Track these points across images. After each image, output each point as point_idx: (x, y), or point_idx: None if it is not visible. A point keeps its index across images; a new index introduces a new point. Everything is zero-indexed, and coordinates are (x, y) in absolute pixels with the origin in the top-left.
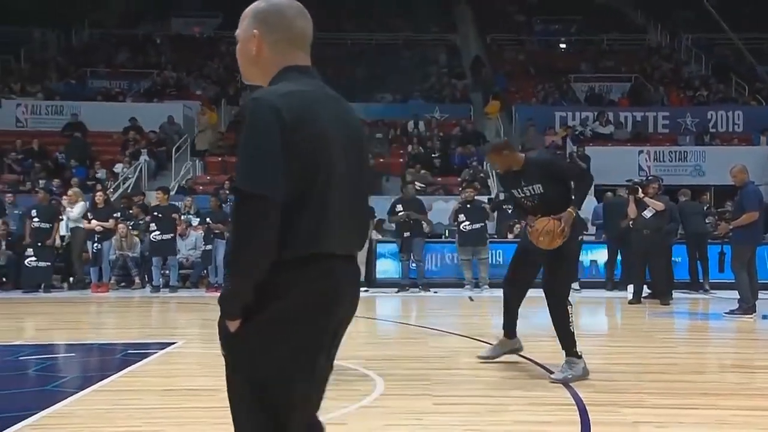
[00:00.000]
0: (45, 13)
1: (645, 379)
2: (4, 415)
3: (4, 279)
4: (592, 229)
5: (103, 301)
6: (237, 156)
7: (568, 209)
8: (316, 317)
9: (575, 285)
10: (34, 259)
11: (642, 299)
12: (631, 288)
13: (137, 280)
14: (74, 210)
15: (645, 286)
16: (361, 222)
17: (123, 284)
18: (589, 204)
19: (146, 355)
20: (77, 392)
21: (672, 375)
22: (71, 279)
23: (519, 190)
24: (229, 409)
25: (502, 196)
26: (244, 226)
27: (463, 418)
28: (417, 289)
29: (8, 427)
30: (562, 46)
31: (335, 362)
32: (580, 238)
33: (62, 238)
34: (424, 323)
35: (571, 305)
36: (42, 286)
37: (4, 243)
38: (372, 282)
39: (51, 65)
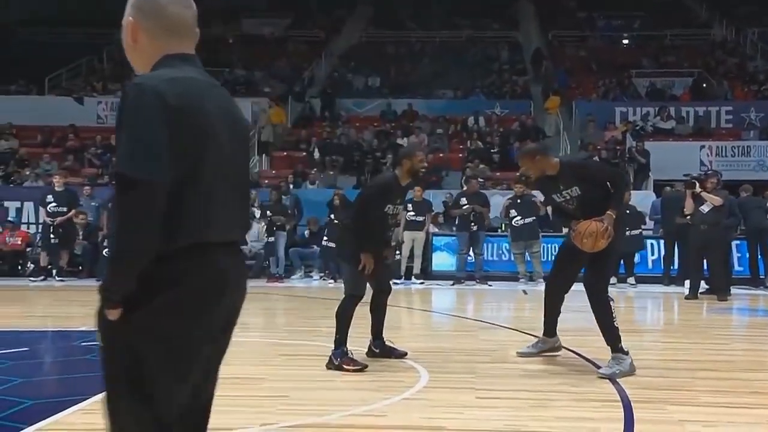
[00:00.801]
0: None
1: (696, 377)
2: (60, 399)
3: (80, 267)
4: (650, 224)
5: None
6: (119, 140)
7: (608, 211)
8: (202, 308)
9: (631, 280)
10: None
11: (699, 295)
12: (687, 283)
13: None
14: None
15: (703, 282)
16: (245, 210)
17: None
18: (648, 198)
19: None
20: None
21: (724, 372)
22: None
23: (558, 194)
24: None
25: None
26: (128, 213)
27: (505, 413)
28: (473, 282)
29: (61, 411)
30: (625, 41)
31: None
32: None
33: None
34: (476, 316)
35: (612, 300)
36: None
37: (81, 233)
38: (428, 274)
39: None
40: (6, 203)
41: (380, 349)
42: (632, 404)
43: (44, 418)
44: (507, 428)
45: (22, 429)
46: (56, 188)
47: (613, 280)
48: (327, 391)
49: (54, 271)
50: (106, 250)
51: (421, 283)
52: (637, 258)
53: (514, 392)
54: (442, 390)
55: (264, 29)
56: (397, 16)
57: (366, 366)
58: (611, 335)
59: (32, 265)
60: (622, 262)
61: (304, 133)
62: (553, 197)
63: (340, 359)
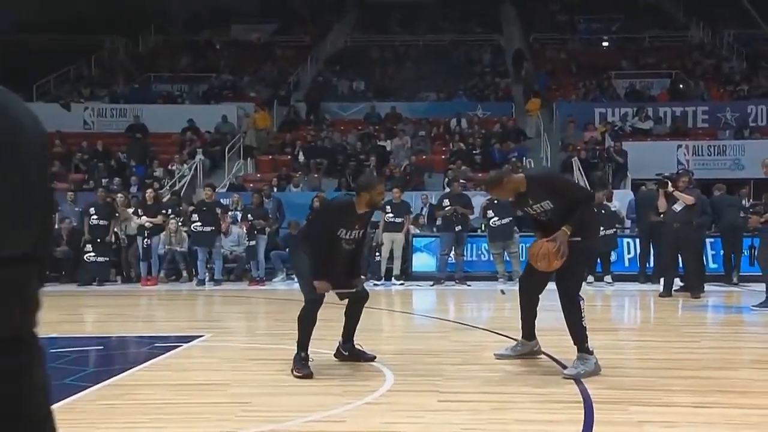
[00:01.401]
0: (115, 22)
1: (662, 375)
2: None
3: (62, 272)
4: (627, 223)
5: (149, 294)
6: None
7: (563, 228)
8: None
9: (608, 278)
10: (92, 254)
11: (673, 292)
12: (662, 281)
13: (185, 273)
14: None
15: (678, 280)
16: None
17: (173, 278)
18: (626, 197)
19: (170, 349)
20: (91, 386)
21: (691, 371)
22: (124, 273)
23: (529, 208)
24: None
25: None
26: None
27: (465, 416)
28: (452, 283)
29: None
30: (605, 44)
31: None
32: (605, 232)
33: (116, 233)
34: (452, 317)
35: (583, 300)
36: (96, 280)
37: (65, 239)
38: (409, 275)
39: (118, 71)
40: None
41: (349, 353)
42: (594, 405)
43: None
44: None
45: None
46: None
47: (590, 278)
48: (290, 397)
49: None
50: (87, 255)
51: (401, 284)
52: (613, 256)
53: (476, 395)
54: (405, 393)
55: (252, 35)
56: (383, 21)
57: (311, 374)
58: (578, 335)
59: None
60: (598, 260)
61: (289, 137)
62: (526, 210)
63: (293, 363)
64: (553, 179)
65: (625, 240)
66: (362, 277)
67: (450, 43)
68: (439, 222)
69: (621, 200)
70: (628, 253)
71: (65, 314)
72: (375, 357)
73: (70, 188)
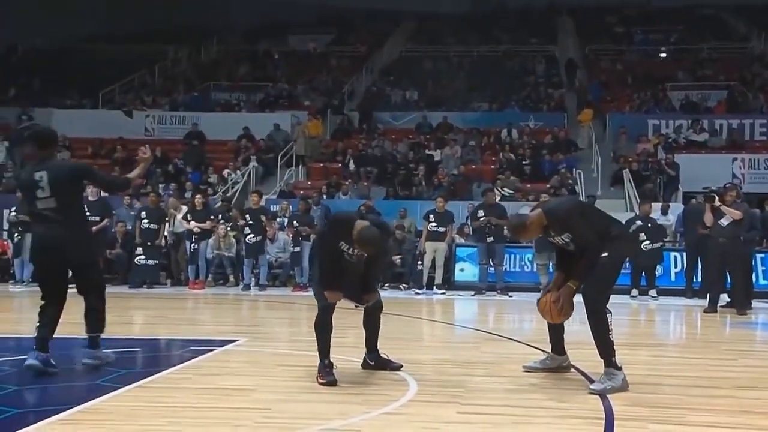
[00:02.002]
0: (179, 32)
1: (690, 393)
2: (43, 408)
3: (116, 275)
4: (676, 236)
5: (196, 297)
6: None
7: (568, 283)
8: None
9: (652, 292)
10: (143, 257)
11: (719, 308)
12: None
13: (231, 278)
14: (179, 214)
15: (726, 295)
16: None
17: (221, 282)
18: (677, 211)
19: (204, 352)
20: (121, 387)
21: (720, 390)
22: (173, 276)
23: (553, 238)
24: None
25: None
26: None
27: (481, 429)
28: (494, 293)
29: (41, 420)
30: (662, 55)
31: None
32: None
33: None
34: (487, 328)
35: (610, 313)
36: (147, 283)
37: (120, 242)
38: (451, 285)
39: (180, 79)
40: None
41: (375, 362)
42: (615, 422)
43: (20, 428)
44: None
45: None
46: (89, 198)
47: (634, 292)
48: (311, 404)
49: None
50: (138, 257)
51: (443, 293)
52: (659, 270)
53: (497, 407)
54: (426, 404)
55: (309, 45)
56: (438, 31)
57: (335, 382)
58: (605, 349)
59: None
60: (643, 274)
61: (341, 145)
62: (551, 239)
63: (317, 371)
64: (568, 219)
65: (672, 254)
66: (375, 293)
67: (504, 53)
68: (473, 232)
69: (671, 213)
70: (675, 267)
71: (114, 316)
72: (401, 366)
73: (128, 192)
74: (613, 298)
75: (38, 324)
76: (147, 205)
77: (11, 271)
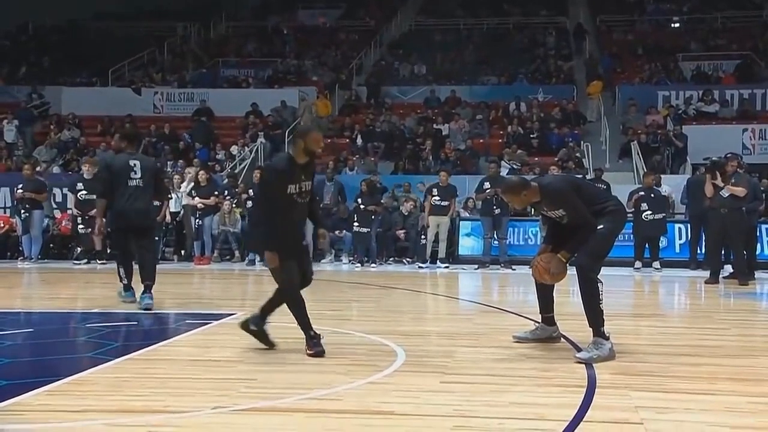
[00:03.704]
0: (188, 9)
1: (675, 362)
2: (34, 380)
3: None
4: (681, 208)
5: (201, 272)
6: None
7: (559, 254)
8: None
9: (656, 264)
10: None
11: (721, 279)
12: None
13: (237, 253)
14: (181, 188)
15: (730, 266)
16: None
17: (227, 258)
18: (683, 182)
19: (199, 326)
20: (111, 360)
21: (706, 358)
22: (182, 252)
23: (544, 212)
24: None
25: (592, 175)
26: None
27: (460, 397)
28: (498, 266)
29: (29, 391)
30: (674, 25)
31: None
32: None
33: (174, 214)
34: (486, 300)
35: (601, 283)
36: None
37: None
38: (455, 258)
39: (188, 56)
40: (65, 190)
41: (259, 328)
42: (597, 390)
43: (6, 399)
44: (454, 413)
45: None
46: (85, 176)
47: (637, 264)
48: (296, 374)
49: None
50: None
51: (446, 267)
52: (663, 242)
53: (480, 377)
54: (411, 374)
55: (318, 19)
56: (448, 4)
57: (323, 352)
58: (594, 318)
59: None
60: (646, 246)
61: (348, 121)
62: (543, 213)
63: (305, 344)
64: (560, 196)
65: (677, 225)
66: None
67: (514, 25)
68: (479, 205)
69: (678, 185)
70: (680, 238)
71: (115, 291)
72: (275, 345)
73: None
74: (617, 270)
75: (125, 276)
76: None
77: (19, 248)
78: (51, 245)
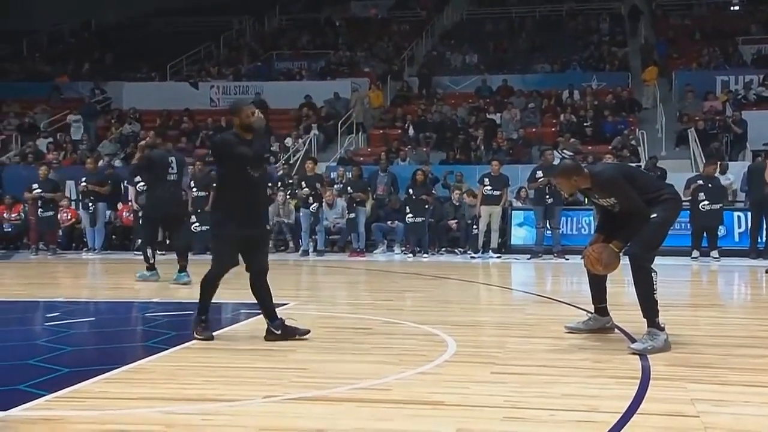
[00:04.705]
0: (244, 3)
1: (733, 353)
2: (93, 368)
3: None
4: (741, 196)
5: None
6: None
7: (611, 244)
8: None
9: (714, 253)
10: (197, 224)
11: None
12: None
13: (291, 244)
14: None
15: None
16: None
17: (282, 248)
18: (743, 170)
19: (253, 315)
20: (168, 348)
21: (765, 350)
22: None
23: (596, 200)
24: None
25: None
26: None
27: (511, 388)
28: (551, 256)
29: (89, 379)
30: (734, 8)
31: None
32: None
33: None
34: (539, 290)
35: (656, 273)
36: (209, 249)
37: None
38: (508, 248)
39: (244, 50)
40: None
41: (281, 330)
42: (651, 381)
43: (67, 386)
44: (505, 404)
45: (43, 396)
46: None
47: (695, 254)
48: (346, 364)
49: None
50: (194, 225)
51: (498, 257)
52: (722, 231)
53: (531, 368)
54: (461, 365)
55: (370, 10)
56: None
57: (212, 337)
58: (649, 308)
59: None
60: (705, 235)
61: (400, 111)
62: (594, 201)
63: (194, 327)
64: (615, 186)
65: (735, 213)
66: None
67: (567, 12)
68: (531, 194)
69: (738, 172)
70: (739, 227)
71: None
72: (309, 331)
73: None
74: (674, 260)
75: (152, 256)
76: (195, 173)
77: (84, 239)
78: (113, 236)
